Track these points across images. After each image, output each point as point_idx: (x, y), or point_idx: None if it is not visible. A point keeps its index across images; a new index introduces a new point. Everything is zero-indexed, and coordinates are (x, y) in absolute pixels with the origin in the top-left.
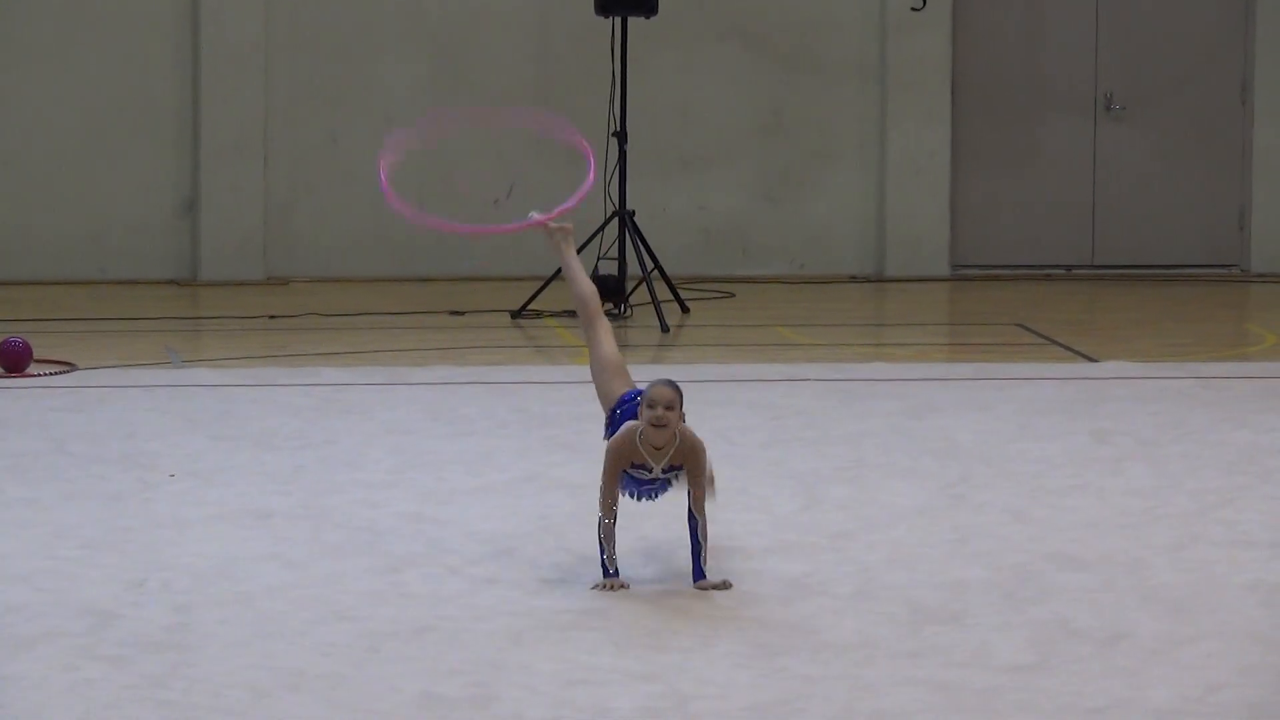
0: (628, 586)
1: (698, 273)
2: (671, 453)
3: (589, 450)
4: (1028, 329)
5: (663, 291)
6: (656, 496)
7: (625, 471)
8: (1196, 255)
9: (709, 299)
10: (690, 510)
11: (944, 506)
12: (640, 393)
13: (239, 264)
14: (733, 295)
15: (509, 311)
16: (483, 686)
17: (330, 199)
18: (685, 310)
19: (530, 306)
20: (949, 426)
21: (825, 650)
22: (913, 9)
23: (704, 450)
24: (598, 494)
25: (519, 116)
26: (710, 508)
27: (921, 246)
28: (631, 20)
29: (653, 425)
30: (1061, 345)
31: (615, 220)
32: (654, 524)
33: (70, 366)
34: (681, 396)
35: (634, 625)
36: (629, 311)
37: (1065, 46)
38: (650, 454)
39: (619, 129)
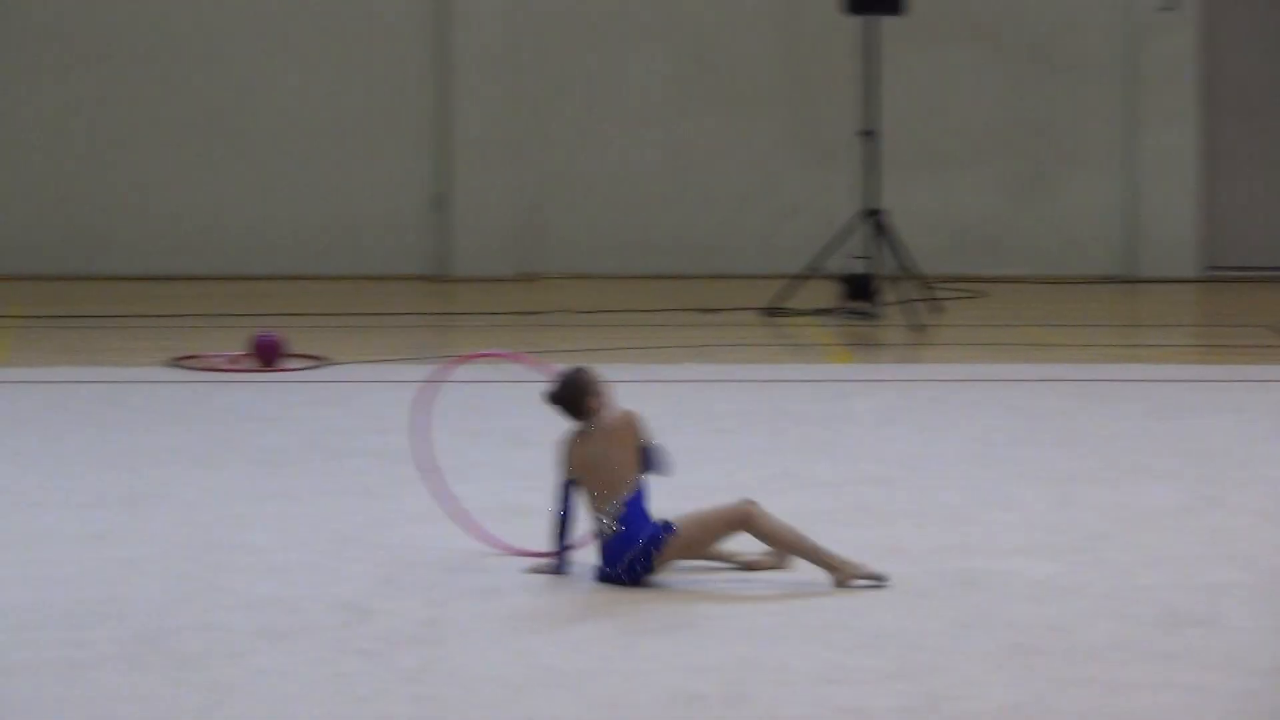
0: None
1: (949, 272)
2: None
3: (843, 449)
4: None
5: (914, 290)
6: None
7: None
8: None
9: (960, 298)
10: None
11: (1197, 508)
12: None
13: (490, 260)
14: (984, 294)
15: (761, 309)
16: (736, 684)
17: (581, 195)
18: (937, 309)
19: (782, 304)
20: (1201, 428)
21: (1078, 652)
22: (1162, 9)
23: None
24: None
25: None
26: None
27: (1173, 247)
28: (880, 19)
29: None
30: None
31: (866, 220)
32: (905, 525)
33: (323, 361)
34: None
35: (888, 625)
36: (880, 310)
37: None
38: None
39: (868, 128)
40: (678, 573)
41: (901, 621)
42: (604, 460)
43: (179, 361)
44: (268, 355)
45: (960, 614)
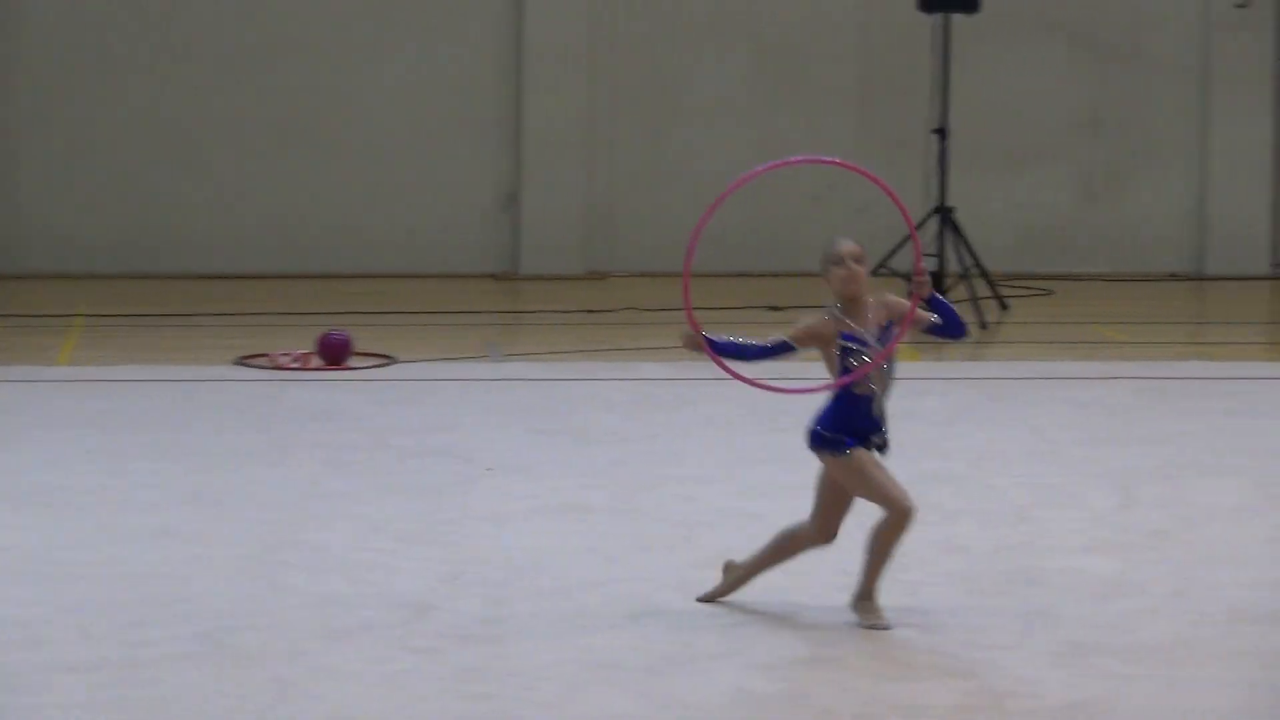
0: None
1: (1017, 270)
2: (876, 312)
3: (908, 446)
4: None
5: (982, 288)
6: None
7: (838, 352)
8: None
9: (1028, 296)
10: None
11: (1262, 506)
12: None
13: (559, 258)
14: (1052, 293)
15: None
16: (795, 682)
17: (651, 195)
18: (1005, 307)
19: None
20: (1268, 426)
21: (1141, 649)
22: (1237, 5)
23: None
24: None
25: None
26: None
27: (1243, 244)
28: (954, 16)
29: (845, 281)
30: None
31: (935, 216)
32: (969, 522)
33: (390, 360)
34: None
35: (948, 622)
36: None
37: None
38: (858, 321)
39: (940, 125)
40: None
41: (964, 619)
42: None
43: (246, 360)
44: (335, 354)
45: (1023, 611)
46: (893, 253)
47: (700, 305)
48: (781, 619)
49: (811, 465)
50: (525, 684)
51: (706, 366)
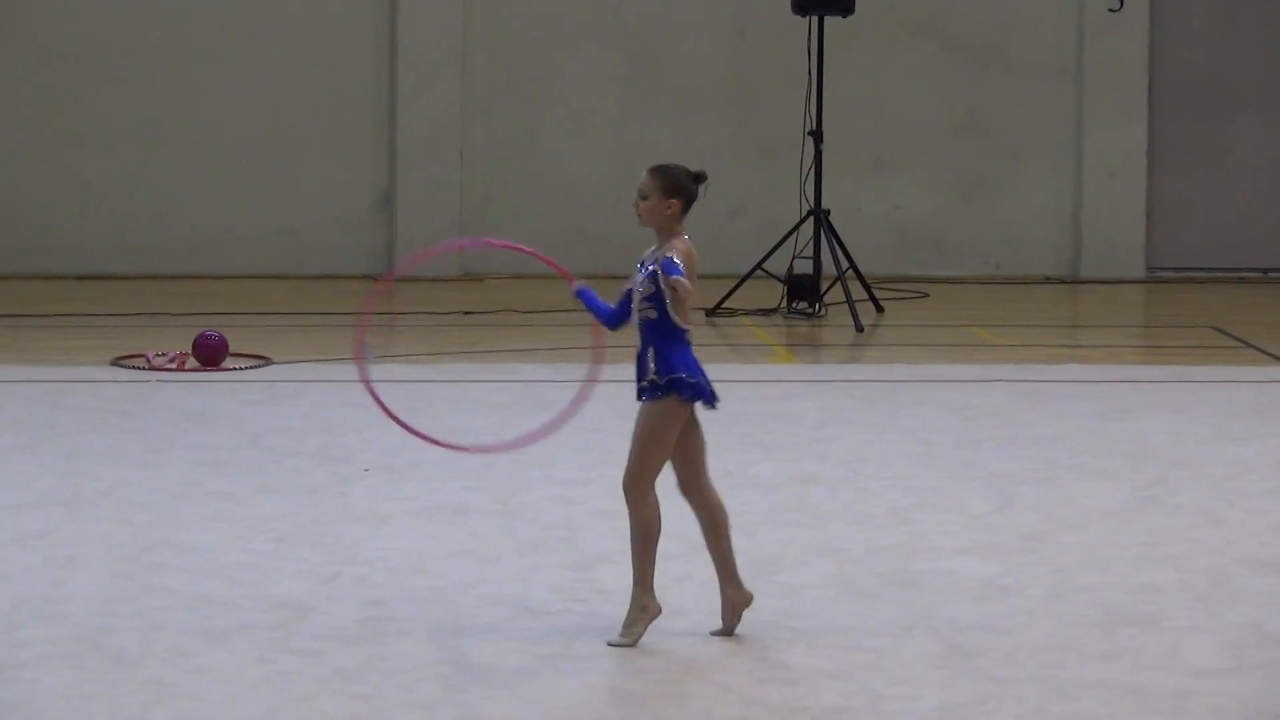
0: None
1: (892, 272)
2: (658, 250)
3: (784, 449)
4: (1224, 332)
5: (857, 291)
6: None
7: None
8: None
9: (903, 299)
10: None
11: (1137, 509)
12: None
13: (435, 260)
14: (927, 295)
15: (704, 310)
16: (674, 684)
17: (525, 195)
18: (880, 310)
19: (726, 304)
20: (1143, 429)
21: (1018, 651)
22: (1110, 10)
23: (681, 252)
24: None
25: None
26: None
27: (1117, 248)
28: (828, 19)
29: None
30: (1258, 349)
31: (810, 219)
32: (845, 525)
33: (266, 361)
34: (664, 181)
35: (826, 624)
36: (823, 311)
37: (1262, 46)
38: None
39: (815, 128)
40: (619, 576)
41: (841, 621)
42: None
43: (121, 361)
44: (211, 354)
45: (900, 614)
46: (766, 255)
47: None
48: (660, 620)
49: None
50: (404, 685)
51: (578, 368)
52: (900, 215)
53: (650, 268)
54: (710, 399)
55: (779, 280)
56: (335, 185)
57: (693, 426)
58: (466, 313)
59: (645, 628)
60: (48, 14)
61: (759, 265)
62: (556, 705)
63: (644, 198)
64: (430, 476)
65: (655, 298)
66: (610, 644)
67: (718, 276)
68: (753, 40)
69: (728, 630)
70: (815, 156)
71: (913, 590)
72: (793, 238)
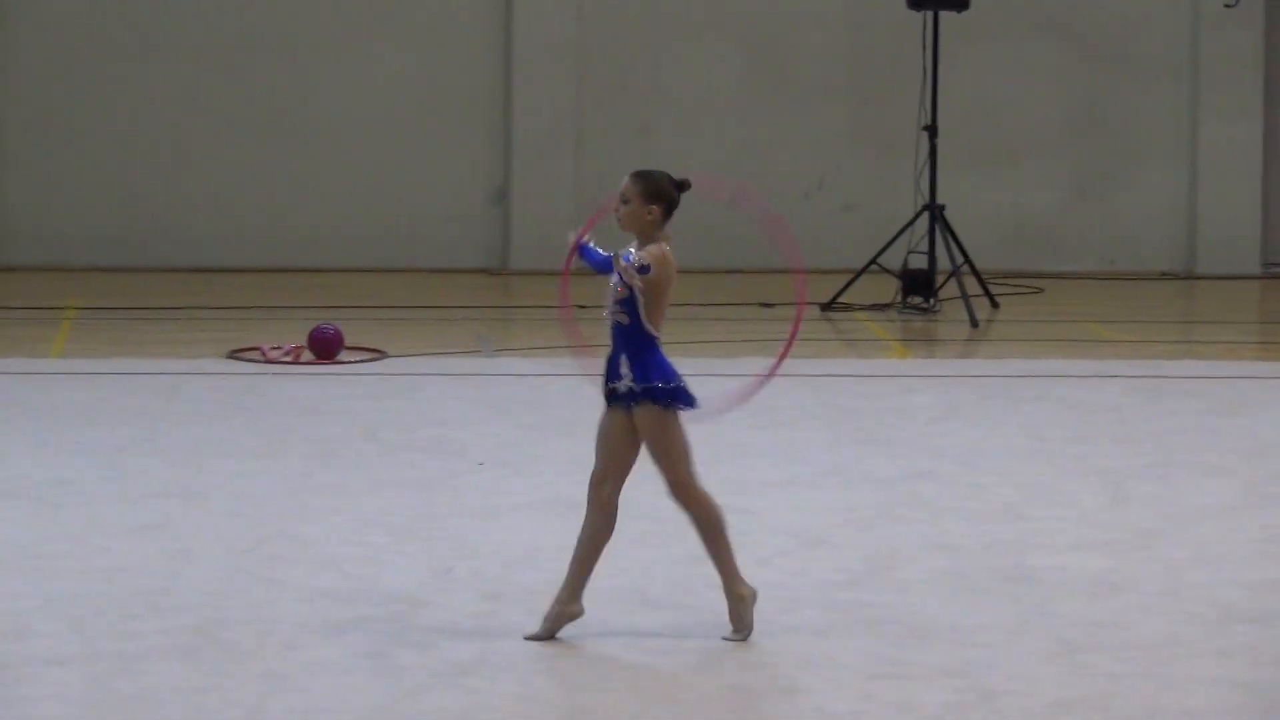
0: None
1: (1007, 268)
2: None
3: (898, 444)
4: None
5: (972, 286)
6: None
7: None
8: None
9: (1018, 294)
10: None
11: (1252, 505)
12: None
13: (550, 253)
14: (1041, 291)
15: (819, 304)
16: (788, 679)
17: None
18: (995, 305)
19: (840, 299)
20: (1259, 425)
21: (1131, 648)
22: (1226, 4)
23: (654, 255)
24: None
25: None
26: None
27: (1233, 244)
28: (943, 14)
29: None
30: None
31: (925, 214)
32: (958, 520)
33: (381, 354)
34: (645, 186)
35: (939, 620)
36: (938, 306)
37: None
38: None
39: (930, 123)
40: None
41: (953, 617)
42: None
43: (237, 354)
44: (326, 348)
45: (1013, 610)
46: (881, 250)
47: (692, 302)
48: (775, 616)
49: (798, 465)
50: (519, 679)
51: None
52: (1015, 210)
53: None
54: (689, 402)
55: (894, 275)
56: (451, 180)
57: None
58: (581, 306)
59: (751, 614)
60: (169, 11)
61: (873, 260)
62: (673, 701)
63: (625, 202)
64: (544, 470)
65: (628, 303)
66: (725, 638)
67: (832, 271)
68: (867, 35)
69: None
70: (930, 151)
71: (1026, 586)
72: (907, 233)
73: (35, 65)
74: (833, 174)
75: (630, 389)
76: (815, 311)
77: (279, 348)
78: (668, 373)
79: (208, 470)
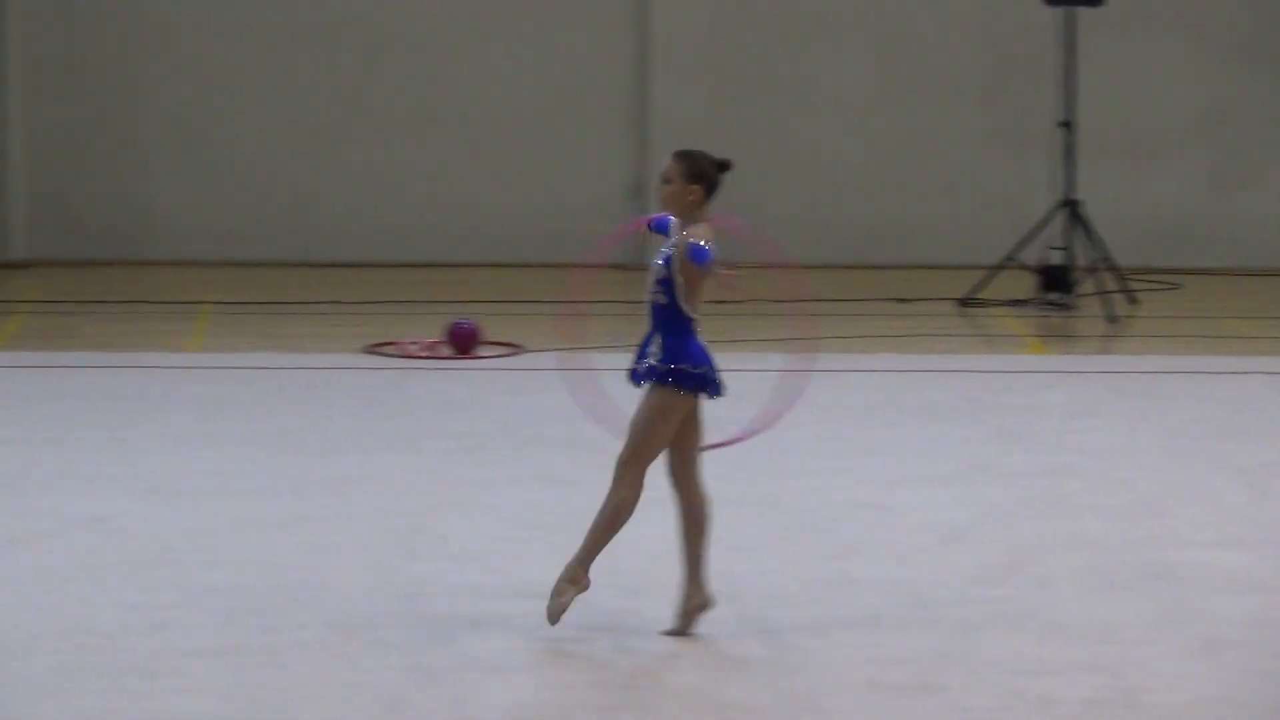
0: None
1: (1145, 263)
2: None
3: (1036, 440)
4: None
5: (1110, 282)
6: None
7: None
8: None
9: (1157, 290)
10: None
11: None
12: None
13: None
14: (1180, 286)
15: (957, 299)
16: (928, 675)
17: (776, 185)
18: (1133, 301)
19: (978, 295)
20: None
21: (1273, 644)
22: None
23: (697, 238)
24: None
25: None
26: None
27: None
28: (1079, 10)
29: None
30: None
31: (1062, 210)
32: (1097, 517)
33: (518, 349)
34: (688, 166)
35: (1080, 617)
36: (1076, 301)
37: None
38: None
39: (1066, 118)
40: (873, 566)
41: (1094, 613)
42: None
43: (375, 348)
44: (464, 342)
45: (1153, 606)
46: (1018, 246)
47: (824, 299)
48: (914, 611)
49: (937, 461)
50: (659, 672)
51: (835, 358)
52: (1152, 206)
53: (667, 252)
54: (715, 389)
55: (1031, 271)
56: (588, 175)
57: (693, 417)
58: (718, 302)
59: (564, 608)
60: (308, 8)
61: (1010, 256)
62: (809, 695)
63: (667, 182)
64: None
65: (666, 283)
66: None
67: (969, 267)
68: (1003, 31)
69: (680, 630)
70: (1066, 147)
71: (1166, 583)
72: (1045, 229)
73: (177, 61)
74: (970, 170)
75: (653, 367)
76: (952, 307)
77: (417, 342)
78: (698, 357)
79: (347, 464)
